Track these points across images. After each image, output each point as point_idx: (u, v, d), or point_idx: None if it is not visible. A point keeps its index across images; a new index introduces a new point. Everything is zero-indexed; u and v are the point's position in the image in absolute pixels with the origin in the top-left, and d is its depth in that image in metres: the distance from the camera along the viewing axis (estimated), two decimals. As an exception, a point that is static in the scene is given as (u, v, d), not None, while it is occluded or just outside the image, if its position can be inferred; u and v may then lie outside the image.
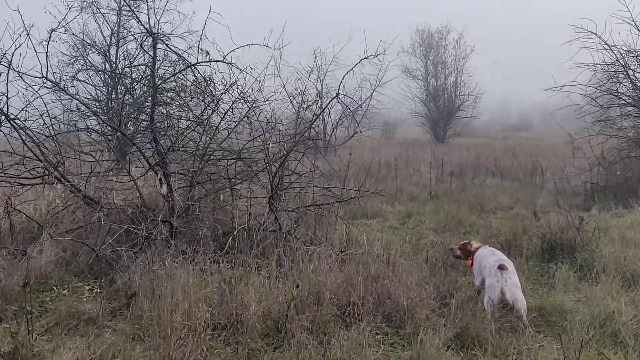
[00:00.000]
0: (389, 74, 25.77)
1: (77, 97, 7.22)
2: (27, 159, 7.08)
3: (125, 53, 12.20)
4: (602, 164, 12.27)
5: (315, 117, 7.62)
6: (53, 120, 7.73)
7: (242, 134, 8.07)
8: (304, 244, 7.13)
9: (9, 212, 7.62)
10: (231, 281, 5.60)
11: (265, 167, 7.39)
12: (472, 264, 6.11)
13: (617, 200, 11.11)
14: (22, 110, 7.30)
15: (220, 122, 7.74)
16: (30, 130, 7.27)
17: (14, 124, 6.99)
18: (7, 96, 7.00)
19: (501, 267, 5.35)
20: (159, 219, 6.57)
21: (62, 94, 7.39)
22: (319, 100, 7.97)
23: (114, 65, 11.81)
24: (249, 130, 7.91)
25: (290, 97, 8.13)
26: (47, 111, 7.65)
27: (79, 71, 7.50)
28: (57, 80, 7.13)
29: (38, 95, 7.39)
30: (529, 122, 52.01)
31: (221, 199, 7.02)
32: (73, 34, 11.48)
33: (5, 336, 4.96)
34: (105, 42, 12.32)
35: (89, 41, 12.04)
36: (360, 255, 6.62)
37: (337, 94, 7.48)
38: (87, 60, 11.94)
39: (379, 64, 24.47)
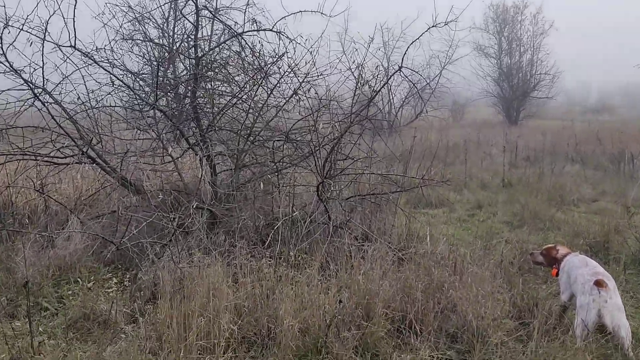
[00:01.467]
0: (459, 51, 24.19)
1: (109, 69, 6.48)
2: (62, 135, 6.49)
3: (182, 27, 11.55)
4: None
5: (374, 94, 6.61)
6: (91, 94, 7.06)
7: (292, 112, 7.20)
8: (357, 239, 6.24)
9: (43, 194, 7.10)
10: (267, 284, 4.75)
11: (315, 150, 6.50)
12: (557, 273, 5.01)
13: None
14: (58, 84, 6.69)
15: (267, 99, 6.89)
16: (63, 105, 6.66)
17: (50, 98, 6.39)
18: (42, 68, 6.37)
19: (599, 284, 4.25)
20: (193, 206, 5.80)
21: (95, 67, 6.68)
22: (383, 76, 6.99)
23: (170, 39, 11.19)
24: (299, 109, 7.01)
25: (347, 71, 7.08)
26: (84, 84, 7.01)
27: (112, 40, 6.76)
28: (89, 51, 6.42)
29: (76, 68, 6.75)
30: (610, 104, 48.70)
31: (261, 186, 6.20)
32: (129, 6, 10.90)
33: (8, 339, 4.29)
34: (164, 15, 11.70)
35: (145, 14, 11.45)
36: (422, 256, 5.67)
37: (400, 67, 6.46)
38: (144, 34, 11.37)
39: (449, 40, 23.32)
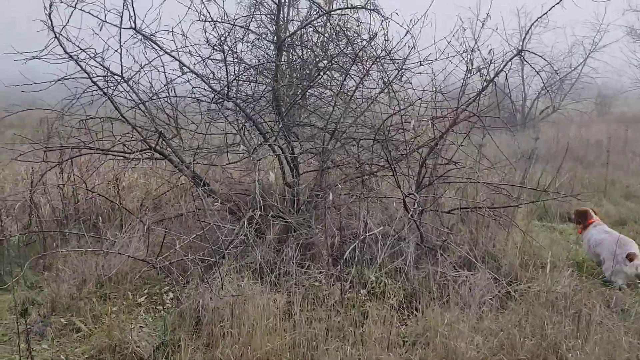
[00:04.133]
0: (608, 36, 21.25)
1: (176, 55, 5.73)
2: (137, 128, 5.86)
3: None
4: None
5: (486, 84, 5.32)
6: (169, 85, 6.35)
7: (387, 105, 6.07)
8: (454, 266, 5.01)
9: (118, 191, 6.59)
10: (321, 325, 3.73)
11: (409, 152, 5.37)
12: None
13: None
14: (137, 72, 6.07)
15: (355, 89, 5.83)
16: (138, 94, 6.05)
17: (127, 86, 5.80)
18: (120, 54, 5.76)
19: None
20: (257, 215, 4.87)
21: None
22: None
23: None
24: (395, 102, 5.86)
25: (458, 57, 5.79)
26: (164, 72, 6.33)
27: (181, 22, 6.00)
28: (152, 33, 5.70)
29: (160, 53, 6.04)
30: None
31: (330, 197, 5.11)
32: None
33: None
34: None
35: None
36: (536, 294, 4.37)
37: (521, 50, 5.14)
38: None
39: (596, 24, 20.70)
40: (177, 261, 4.74)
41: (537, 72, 7.13)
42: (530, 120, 20.66)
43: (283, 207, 5.68)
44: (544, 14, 5.77)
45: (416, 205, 4.83)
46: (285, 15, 8.22)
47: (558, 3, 4.95)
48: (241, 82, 6.17)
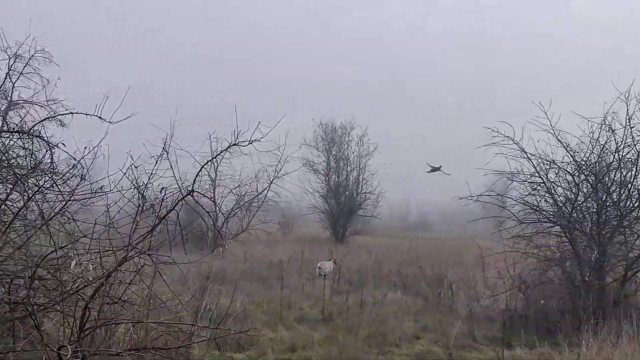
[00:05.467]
0: (289, 165, 23.74)
1: None
2: None
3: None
4: (519, 287, 10.50)
5: (157, 222, 5.26)
6: None
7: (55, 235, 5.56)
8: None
9: None
10: None
11: (68, 294, 4.92)
12: None
13: (538, 332, 9.31)
14: None
15: (13, 219, 5.23)
16: None
17: None
18: None
19: None
20: None
21: None
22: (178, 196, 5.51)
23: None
24: (61, 235, 5.43)
25: (131, 190, 5.68)
26: None
27: None
28: None
29: None
30: (428, 222, 51.87)
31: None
32: None
33: None
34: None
35: None
36: None
37: (192, 190, 5.25)
38: None
39: (278, 155, 22.96)
40: None
41: (209, 213, 7.40)
42: (222, 239, 21.40)
43: None
44: (219, 153, 6.16)
45: (72, 355, 4.35)
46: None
47: (227, 149, 5.26)
48: None
